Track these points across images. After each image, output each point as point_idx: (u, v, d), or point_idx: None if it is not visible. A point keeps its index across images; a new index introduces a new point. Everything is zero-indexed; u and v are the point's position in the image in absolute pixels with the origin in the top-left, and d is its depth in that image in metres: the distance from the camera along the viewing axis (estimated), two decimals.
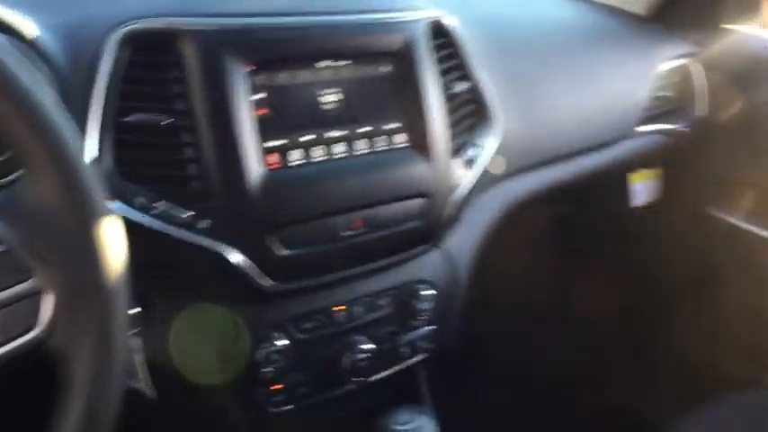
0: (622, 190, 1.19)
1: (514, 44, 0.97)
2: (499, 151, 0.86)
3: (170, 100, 0.64)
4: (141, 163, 0.64)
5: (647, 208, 1.22)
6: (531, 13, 1.07)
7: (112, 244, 0.45)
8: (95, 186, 0.45)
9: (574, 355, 1.43)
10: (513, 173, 0.92)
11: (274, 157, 0.67)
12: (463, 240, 0.89)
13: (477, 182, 0.83)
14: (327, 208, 0.70)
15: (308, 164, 0.69)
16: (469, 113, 0.84)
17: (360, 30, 0.73)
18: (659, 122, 1.15)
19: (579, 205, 1.26)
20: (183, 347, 0.70)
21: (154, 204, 0.63)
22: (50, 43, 0.64)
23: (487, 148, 0.84)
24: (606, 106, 1.06)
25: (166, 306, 0.69)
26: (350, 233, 0.72)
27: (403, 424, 0.74)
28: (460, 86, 0.82)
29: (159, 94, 0.64)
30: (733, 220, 1.20)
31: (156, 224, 0.63)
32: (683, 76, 1.18)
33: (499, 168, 0.87)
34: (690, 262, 1.30)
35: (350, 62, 0.72)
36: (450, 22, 0.82)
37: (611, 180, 1.16)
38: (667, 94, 1.16)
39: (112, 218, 0.46)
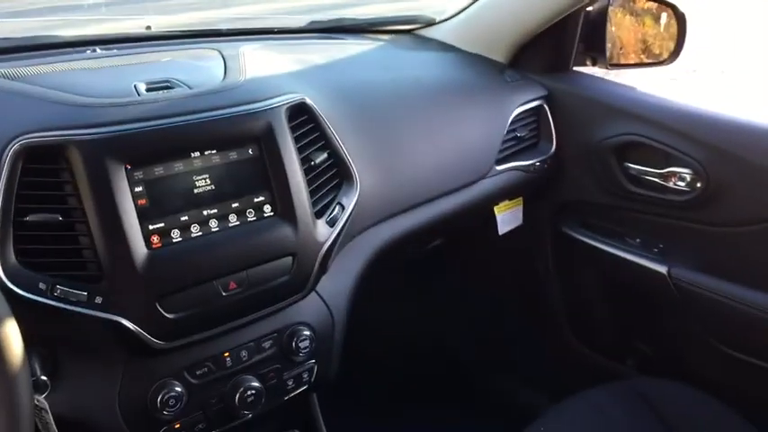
0: (489, 220, 1.36)
1: (373, 108, 1.11)
2: (360, 206, 0.99)
3: (63, 200, 0.77)
4: (41, 254, 0.76)
5: (512, 233, 1.39)
6: (392, 76, 1.21)
7: (9, 342, 0.59)
8: None
9: (455, 353, 1.61)
10: (376, 222, 1.06)
11: (156, 238, 0.81)
12: (336, 285, 1.03)
13: (342, 236, 0.96)
14: (204, 276, 0.84)
15: (186, 240, 0.83)
16: (330, 178, 0.96)
17: (223, 123, 0.85)
18: (516, 160, 1.32)
19: (450, 238, 1.42)
20: (90, 401, 0.83)
21: (54, 287, 0.76)
22: None
23: (348, 207, 0.97)
24: (464, 151, 1.22)
25: (73, 368, 0.82)
26: (226, 294, 0.85)
27: None
28: (320, 157, 0.94)
29: (53, 195, 0.77)
30: (583, 238, 1.39)
31: (58, 304, 0.76)
32: (536, 116, 1.36)
33: (362, 222, 1.02)
34: (553, 273, 1.49)
35: (217, 151, 0.85)
36: (310, 101, 0.95)
37: (478, 212, 1.32)
38: (522, 134, 1.33)
39: (9, 322, 0.59)
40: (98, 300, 0.77)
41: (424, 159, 1.14)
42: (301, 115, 0.94)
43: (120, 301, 0.78)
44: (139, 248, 0.79)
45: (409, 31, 1.52)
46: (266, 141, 0.88)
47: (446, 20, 1.46)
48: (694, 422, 1.12)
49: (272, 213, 0.89)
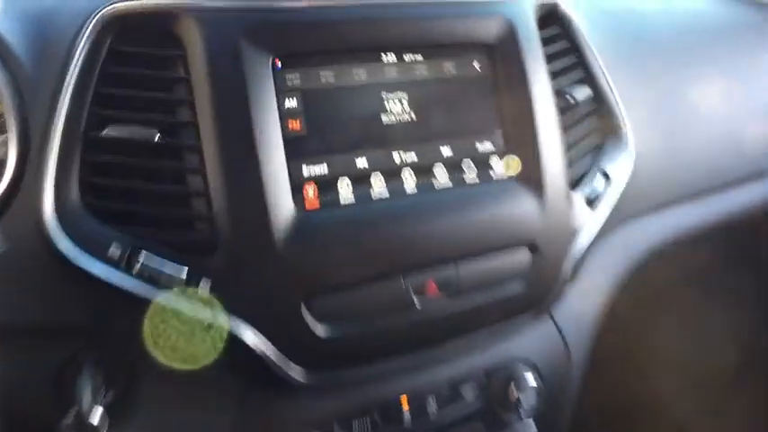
0: None
1: (647, 42, 0.79)
2: (632, 181, 0.67)
3: (165, 108, 0.49)
4: (121, 195, 0.48)
5: None
6: (665, 5, 0.86)
7: None
8: None
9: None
10: (648, 211, 0.72)
11: (312, 192, 0.49)
12: (579, 304, 0.68)
13: (604, 225, 0.62)
14: (387, 267, 0.53)
15: (362, 202, 0.52)
16: (593, 131, 0.67)
17: (439, 13, 0.56)
18: None
19: (738, 252, 1.00)
20: None
21: (135, 255, 0.46)
22: (13, 36, 0.48)
23: (618, 178, 0.64)
24: None
25: (153, 399, 0.52)
26: (420, 302, 0.53)
27: None
28: (580, 93, 0.64)
29: (150, 99, 0.49)
30: None
31: (138, 286, 0.45)
32: None
33: (629, 207, 0.67)
34: None
35: (423, 58, 0.55)
36: (566, 6, 0.64)
37: None
38: None
39: None
40: (204, 285, 0.46)
41: (715, 124, 0.81)
42: (552, 25, 0.65)
43: (241, 295, 0.48)
44: (284, 205, 0.49)
45: None
46: (502, 53, 0.58)
47: None
48: None
49: (504, 174, 0.56)
